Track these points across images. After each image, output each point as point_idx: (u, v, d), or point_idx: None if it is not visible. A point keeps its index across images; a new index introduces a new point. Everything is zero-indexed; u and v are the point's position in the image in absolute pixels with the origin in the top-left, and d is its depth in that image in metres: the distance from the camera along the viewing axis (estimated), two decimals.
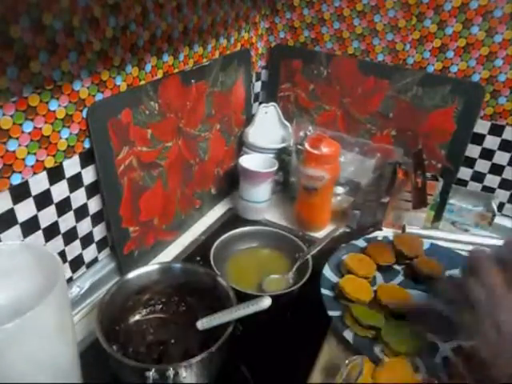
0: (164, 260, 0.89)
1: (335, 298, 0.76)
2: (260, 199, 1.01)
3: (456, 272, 0.81)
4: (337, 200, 1.03)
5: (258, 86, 1.20)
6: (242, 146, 1.10)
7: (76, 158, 0.70)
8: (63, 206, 0.70)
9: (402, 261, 0.86)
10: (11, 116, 0.58)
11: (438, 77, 1.01)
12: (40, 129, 0.63)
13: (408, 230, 0.98)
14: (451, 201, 1.05)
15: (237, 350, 0.65)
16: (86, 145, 0.71)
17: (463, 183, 1.07)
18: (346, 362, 0.60)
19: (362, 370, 0.59)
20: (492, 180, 1.04)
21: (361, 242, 0.89)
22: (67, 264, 0.75)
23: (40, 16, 0.57)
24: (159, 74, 0.82)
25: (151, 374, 0.55)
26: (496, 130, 1.00)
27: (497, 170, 1.02)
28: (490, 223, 0.99)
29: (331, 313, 0.72)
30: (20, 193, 0.63)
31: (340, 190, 1.03)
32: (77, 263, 0.78)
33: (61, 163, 0.68)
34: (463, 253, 0.85)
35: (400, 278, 0.84)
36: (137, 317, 0.72)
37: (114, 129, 0.72)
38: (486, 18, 0.92)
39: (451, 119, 1.00)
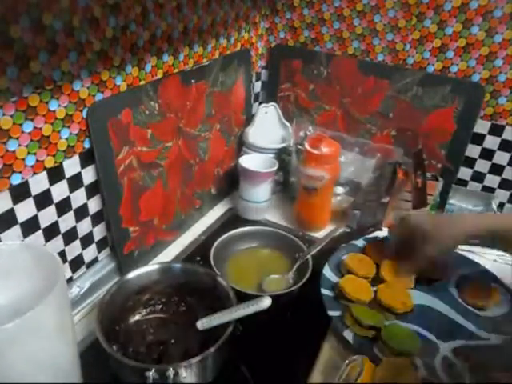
0: (164, 260, 0.89)
1: (335, 297, 0.76)
2: (260, 199, 1.01)
3: (456, 272, 0.81)
4: (337, 200, 1.03)
5: (258, 86, 1.20)
6: (241, 146, 1.10)
7: (76, 158, 0.70)
8: (63, 206, 0.70)
9: None
10: (11, 116, 0.58)
11: (437, 77, 1.01)
12: (40, 129, 0.63)
13: None
14: (451, 201, 1.05)
15: (237, 350, 0.66)
16: (86, 145, 0.71)
17: (463, 183, 1.07)
18: (346, 362, 0.60)
19: (362, 369, 0.59)
20: (492, 180, 1.04)
21: (361, 242, 0.89)
22: (67, 264, 0.75)
23: (40, 16, 0.57)
24: (159, 74, 0.82)
25: (151, 374, 0.55)
26: (496, 130, 1.00)
27: (497, 170, 1.03)
28: None
29: (331, 313, 0.72)
30: (20, 193, 0.63)
31: (340, 189, 1.03)
32: (77, 263, 0.78)
33: (61, 163, 0.68)
34: (463, 252, 0.85)
35: None
36: (137, 317, 0.72)
37: (114, 129, 0.72)
38: (486, 18, 0.92)
39: (451, 119, 1.00)
